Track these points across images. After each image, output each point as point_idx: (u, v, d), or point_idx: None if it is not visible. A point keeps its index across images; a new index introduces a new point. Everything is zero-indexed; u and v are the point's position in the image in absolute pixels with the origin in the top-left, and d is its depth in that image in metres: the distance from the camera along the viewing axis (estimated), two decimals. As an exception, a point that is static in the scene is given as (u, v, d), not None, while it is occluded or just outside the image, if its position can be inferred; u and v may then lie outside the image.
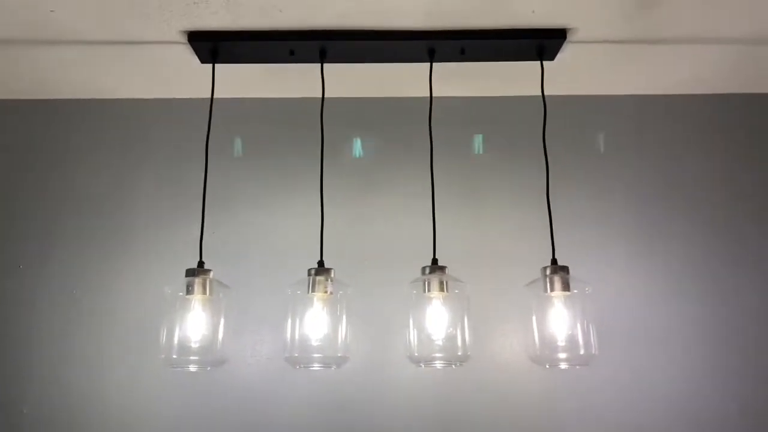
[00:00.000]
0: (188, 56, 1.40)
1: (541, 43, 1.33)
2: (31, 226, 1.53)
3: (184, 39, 1.34)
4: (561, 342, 1.21)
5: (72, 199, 1.55)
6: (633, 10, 1.25)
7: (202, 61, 1.40)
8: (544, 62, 1.39)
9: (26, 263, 1.50)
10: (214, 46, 1.34)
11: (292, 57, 1.38)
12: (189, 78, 1.50)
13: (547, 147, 1.33)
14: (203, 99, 1.54)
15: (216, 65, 1.40)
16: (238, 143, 1.58)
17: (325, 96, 1.36)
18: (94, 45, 1.36)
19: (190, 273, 1.25)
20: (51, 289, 1.49)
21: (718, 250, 1.51)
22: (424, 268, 1.25)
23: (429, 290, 1.23)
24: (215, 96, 1.39)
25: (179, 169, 1.56)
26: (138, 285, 1.49)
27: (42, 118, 1.60)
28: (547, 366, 1.29)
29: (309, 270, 1.25)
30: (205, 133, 1.34)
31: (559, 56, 1.39)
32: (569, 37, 1.33)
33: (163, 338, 1.23)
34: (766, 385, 1.43)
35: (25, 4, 1.22)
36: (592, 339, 1.21)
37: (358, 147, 1.59)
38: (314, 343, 1.22)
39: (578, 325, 1.21)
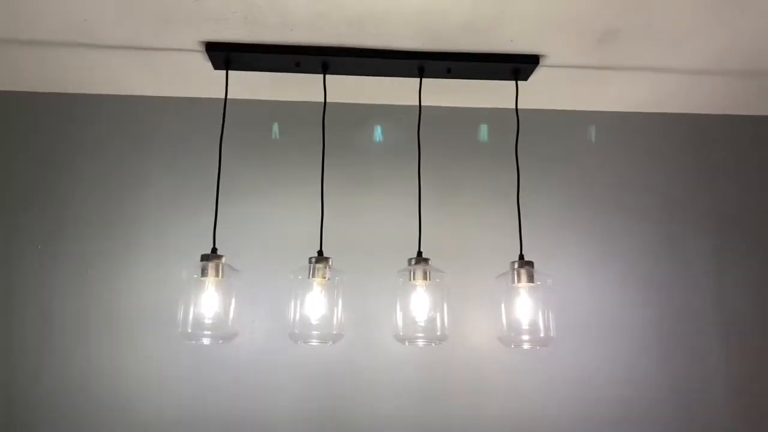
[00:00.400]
0: (203, 63, 1.56)
1: (517, 67, 1.53)
2: (50, 209, 1.67)
3: (201, 48, 1.50)
4: (525, 326, 1.42)
5: (89, 184, 1.69)
6: (594, 43, 1.45)
7: (216, 68, 1.56)
8: (519, 82, 1.59)
9: (44, 244, 1.65)
10: (227, 56, 1.50)
11: (297, 68, 1.55)
12: (202, 80, 1.66)
13: (519, 156, 1.54)
14: (212, 99, 1.70)
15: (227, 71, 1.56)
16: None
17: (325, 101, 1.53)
18: (118, 49, 1.51)
19: (205, 258, 1.42)
20: (67, 268, 1.64)
21: (662, 254, 1.74)
22: (410, 260, 1.45)
23: (414, 279, 1.43)
24: (213, 96, 1.55)
25: (189, 162, 1.72)
26: (148, 265, 1.64)
27: (65, 110, 1.74)
28: (513, 346, 1.50)
29: (310, 258, 1.43)
30: (212, 129, 1.52)
31: (532, 77, 1.59)
32: (541, 62, 1.53)
33: (181, 315, 1.40)
34: (692, 365, 1.67)
35: (64, 9, 1.36)
36: (551, 324, 1.42)
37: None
38: (313, 321, 1.41)
39: (539, 312, 1.42)
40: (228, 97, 1.55)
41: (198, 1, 1.31)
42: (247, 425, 1.56)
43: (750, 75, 1.62)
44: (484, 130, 1.78)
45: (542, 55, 1.51)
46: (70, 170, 1.70)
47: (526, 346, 1.48)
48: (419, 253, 1.45)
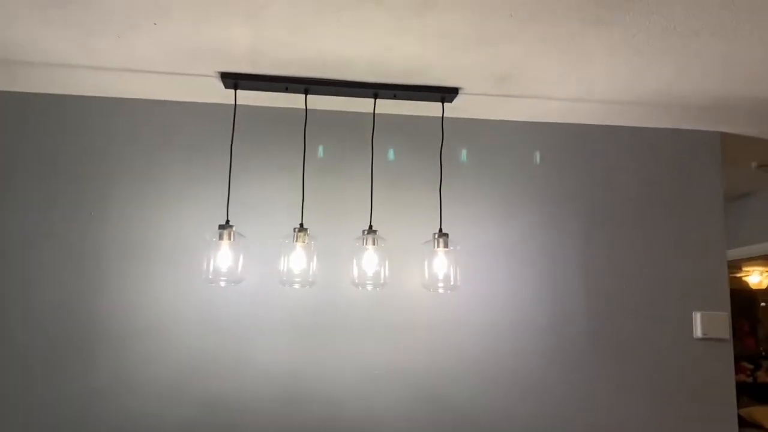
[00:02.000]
0: (217, 83, 2.14)
1: (443, 95, 2.15)
2: (97, 184, 2.26)
3: (216, 75, 2.09)
4: (440, 277, 2.09)
5: (126, 167, 2.28)
6: (495, 81, 2.08)
7: (226, 88, 2.15)
8: (445, 104, 2.22)
9: (95, 211, 2.24)
10: (236, 82, 2.10)
11: (286, 90, 2.15)
12: (215, 92, 2.25)
13: (443, 156, 2.18)
14: (221, 104, 2.29)
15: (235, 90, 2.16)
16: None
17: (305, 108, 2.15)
18: (148, 73, 2.09)
19: (221, 227, 2.05)
20: (113, 232, 2.24)
21: (547, 222, 2.42)
22: (363, 231, 2.09)
23: (365, 243, 2.08)
24: (224, 102, 2.16)
25: (203, 151, 2.31)
26: (173, 229, 2.26)
27: (109, 111, 2.31)
28: (431, 290, 2.17)
29: (294, 228, 2.07)
30: (222, 127, 2.14)
31: (455, 101, 2.21)
32: (460, 92, 2.16)
33: (205, 265, 2.04)
34: (563, 303, 2.36)
35: (128, 48, 1.94)
36: (458, 276, 2.10)
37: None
38: (296, 272, 2.06)
39: (450, 268, 2.09)
40: (228, 102, 2.15)
41: (218, 49, 1.91)
42: (246, 342, 2.22)
43: (605, 101, 2.27)
44: (404, 148, 2.41)
45: (460, 87, 2.14)
46: (111, 156, 2.28)
47: (440, 291, 2.16)
48: (370, 226, 2.10)
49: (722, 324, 2.42)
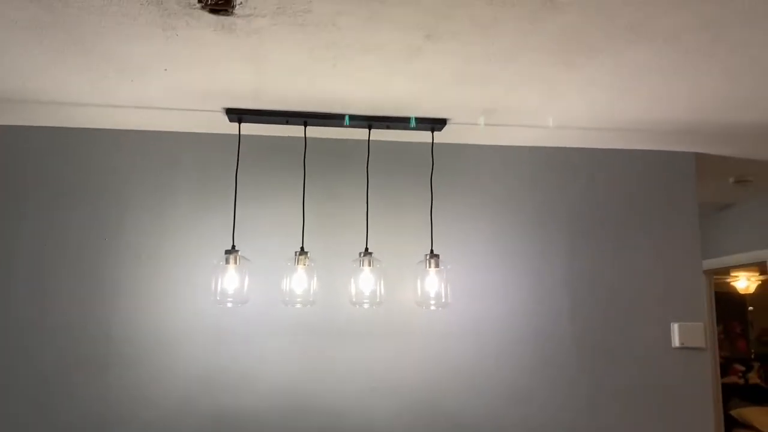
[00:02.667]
0: (222, 117, 2.30)
1: (433, 125, 2.31)
2: (113, 212, 2.42)
3: (222, 110, 2.25)
4: (432, 295, 2.25)
5: (137, 194, 2.44)
6: (479, 113, 2.24)
7: (231, 121, 2.31)
8: (435, 132, 2.37)
9: (109, 237, 2.40)
10: (240, 117, 2.26)
11: (287, 123, 2.31)
12: (220, 125, 2.41)
13: (434, 182, 2.33)
14: (225, 134, 2.45)
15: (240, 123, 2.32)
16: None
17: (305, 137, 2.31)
18: (158, 110, 2.25)
19: (227, 252, 2.21)
20: (126, 253, 2.40)
21: (533, 242, 2.57)
22: (360, 253, 2.25)
23: (362, 265, 2.24)
24: (228, 132, 2.32)
25: (208, 179, 2.48)
26: (181, 253, 2.42)
27: (120, 142, 2.48)
28: (423, 307, 2.33)
29: (295, 251, 2.23)
30: (226, 155, 2.30)
31: (444, 129, 2.37)
32: (449, 122, 2.32)
33: (213, 287, 2.20)
34: (548, 318, 2.52)
35: (143, 89, 2.10)
36: (449, 294, 2.25)
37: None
38: (298, 292, 2.22)
39: (441, 286, 2.25)
40: (231, 132, 2.32)
41: (223, 89, 2.07)
42: (252, 358, 2.38)
43: (584, 128, 2.43)
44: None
45: (449, 118, 2.30)
46: (123, 184, 2.45)
47: (432, 308, 2.32)
48: (366, 249, 2.26)
49: (699, 333, 2.57)
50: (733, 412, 5.45)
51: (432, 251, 2.29)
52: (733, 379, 6.00)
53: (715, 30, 1.64)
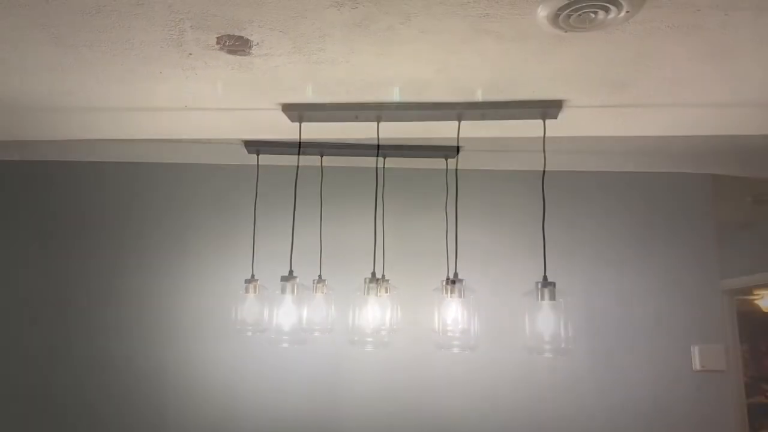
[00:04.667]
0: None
1: (446, 153, 2.34)
2: (138, 245, 2.50)
3: (240, 143, 2.30)
4: (449, 322, 2.24)
5: (165, 230, 2.52)
6: (489, 142, 2.26)
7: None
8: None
9: (131, 268, 2.48)
10: (258, 149, 2.31)
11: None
12: (239, 156, 2.46)
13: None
14: (245, 165, 2.50)
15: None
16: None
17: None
18: (178, 142, 2.31)
19: (247, 281, 2.24)
20: (147, 286, 2.48)
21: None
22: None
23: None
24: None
25: (228, 211, 2.54)
26: (201, 284, 2.48)
27: (147, 175, 2.56)
28: (441, 334, 2.17)
29: (313, 279, 2.24)
30: (245, 184, 2.38)
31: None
32: (461, 149, 2.34)
33: (233, 316, 2.23)
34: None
35: (152, 125, 2.17)
36: (473, 324, 2.22)
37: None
38: (316, 320, 2.19)
39: (460, 313, 2.24)
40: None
41: (242, 123, 2.13)
42: (273, 390, 2.41)
43: (599, 152, 2.45)
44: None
45: (461, 146, 2.32)
46: (152, 219, 2.53)
47: (450, 338, 2.01)
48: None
49: (720, 356, 2.55)
50: (763, 433, 5.32)
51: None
52: (760, 399, 5.87)
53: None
